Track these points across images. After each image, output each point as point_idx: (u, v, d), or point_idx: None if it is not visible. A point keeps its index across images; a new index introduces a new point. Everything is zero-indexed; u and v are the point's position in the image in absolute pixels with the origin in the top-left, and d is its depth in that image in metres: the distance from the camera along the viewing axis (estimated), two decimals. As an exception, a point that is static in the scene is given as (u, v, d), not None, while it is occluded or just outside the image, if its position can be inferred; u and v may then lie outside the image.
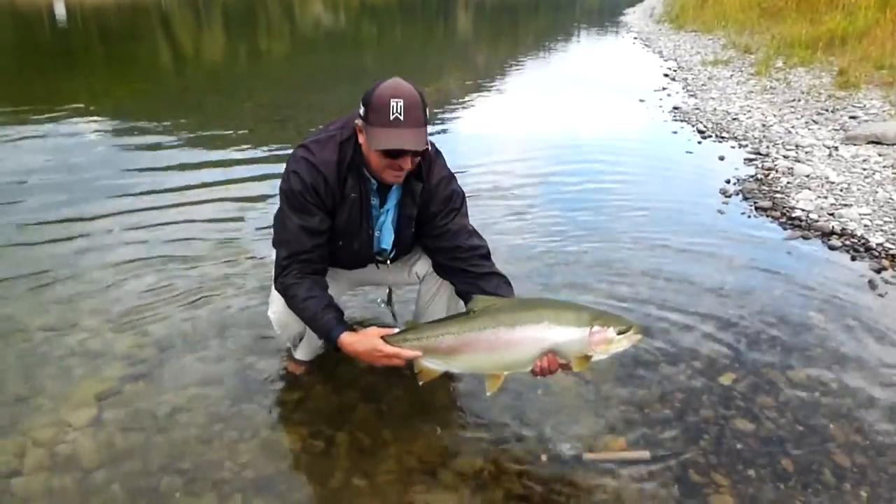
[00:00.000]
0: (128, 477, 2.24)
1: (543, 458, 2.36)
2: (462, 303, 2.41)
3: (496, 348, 2.11)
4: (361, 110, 2.13)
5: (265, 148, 6.47)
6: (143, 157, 6.08)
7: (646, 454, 2.38)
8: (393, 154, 2.12)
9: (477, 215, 4.55)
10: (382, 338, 2.20)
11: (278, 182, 2.34)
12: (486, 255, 2.39)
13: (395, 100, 2.05)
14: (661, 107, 8.76)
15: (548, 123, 8.26)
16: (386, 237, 2.43)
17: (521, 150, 6.67)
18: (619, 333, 2.08)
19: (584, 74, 12.93)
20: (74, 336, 3.01)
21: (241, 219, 4.45)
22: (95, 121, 7.60)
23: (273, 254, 2.37)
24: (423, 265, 2.60)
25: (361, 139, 2.18)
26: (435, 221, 2.37)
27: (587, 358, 2.09)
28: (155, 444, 2.38)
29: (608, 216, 4.81)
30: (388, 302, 2.89)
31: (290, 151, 2.35)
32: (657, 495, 2.23)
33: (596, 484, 2.27)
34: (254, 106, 8.92)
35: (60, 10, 22.22)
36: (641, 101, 9.15)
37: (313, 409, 2.59)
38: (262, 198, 4.80)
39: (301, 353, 2.76)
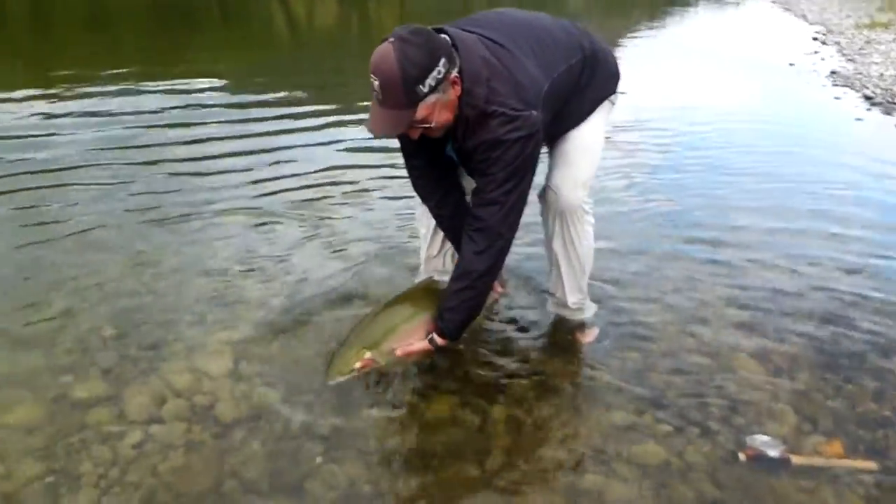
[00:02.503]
0: (267, 436, 2.04)
1: (741, 457, 1.97)
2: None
3: None
4: None
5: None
6: (272, 112, 5.97)
7: (872, 465, 1.95)
8: None
9: (638, 177, 4.23)
10: None
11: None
12: (478, 229, 2.06)
13: (373, 76, 1.81)
14: (815, 71, 7.89)
15: (687, 91, 7.51)
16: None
17: (665, 118, 6.01)
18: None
19: (721, 41, 11.94)
20: (207, 281, 2.88)
21: (371, 172, 4.23)
22: (219, 77, 7.60)
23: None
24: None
25: None
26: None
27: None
28: (294, 404, 2.17)
29: (780, 195, 4.11)
30: None
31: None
32: (891, 517, 1.80)
33: (810, 495, 1.86)
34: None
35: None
36: (791, 64, 8.27)
37: (464, 379, 2.30)
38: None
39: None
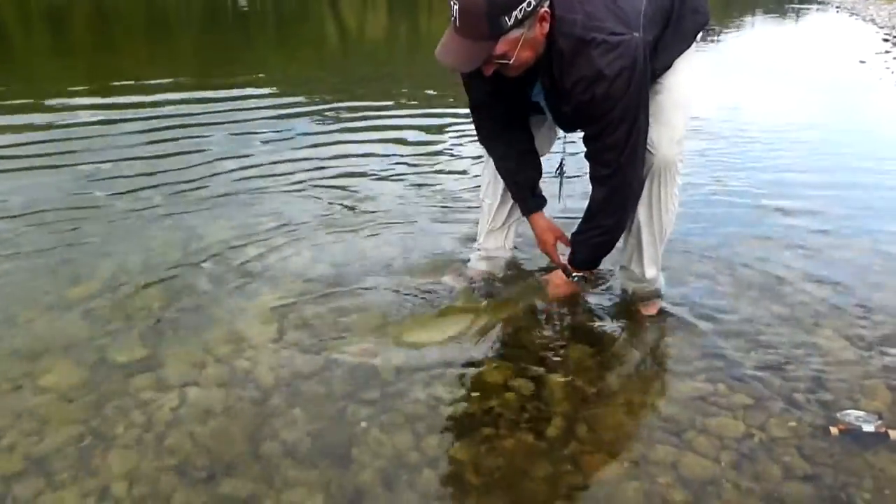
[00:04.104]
0: (309, 401, 1.92)
1: (833, 431, 1.76)
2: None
3: None
4: None
5: (426, 111, 6.13)
6: (319, 100, 5.96)
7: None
8: None
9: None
10: None
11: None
12: (601, 178, 1.98)
13: (453, 0, 1.65)
14: (889, 69, 7.51)
15: (753, 77, 7.13)
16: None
17: (727, 102, 5.71)
18: None
19: (787, 42, 11.49)
20: (251, 251, 2.80)
21: (412, 147, 4.14)
22: (269, 84, 7.63)
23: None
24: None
25: None
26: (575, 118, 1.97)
27: None
28: (337, 369, 2.05)
29: (855, 173, 3.91)
30: (559, 173, 2.41)
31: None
32: None
33: (916, 472, 1.64)
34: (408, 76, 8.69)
35: (242, -6, 23.43)
36: (862, 62, 7.90)
37: (516, 345, 2.15)
38: (441, 143, 4.47)
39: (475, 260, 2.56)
